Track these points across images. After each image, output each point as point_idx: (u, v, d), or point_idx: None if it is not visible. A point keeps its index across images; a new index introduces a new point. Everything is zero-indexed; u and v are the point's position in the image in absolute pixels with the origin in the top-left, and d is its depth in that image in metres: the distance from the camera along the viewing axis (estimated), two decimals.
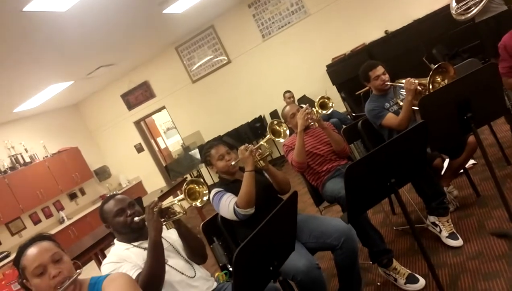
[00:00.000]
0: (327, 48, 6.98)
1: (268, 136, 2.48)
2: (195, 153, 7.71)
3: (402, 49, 5.85)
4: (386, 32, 6.52)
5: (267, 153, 2.32)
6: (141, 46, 7.05)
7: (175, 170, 7.80)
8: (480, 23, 4.42)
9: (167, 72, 8.25)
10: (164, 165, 8.87)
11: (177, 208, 1.84)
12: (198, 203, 1.92)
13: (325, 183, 2.86)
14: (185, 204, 1.92)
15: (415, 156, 1.84)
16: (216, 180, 3.09)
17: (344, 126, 3.23)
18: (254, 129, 7.57)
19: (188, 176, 7.72)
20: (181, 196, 1.85)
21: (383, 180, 1.76)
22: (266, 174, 2.43)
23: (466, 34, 4.92)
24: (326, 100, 2.97)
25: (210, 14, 7.24)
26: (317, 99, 2.96)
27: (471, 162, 3.36)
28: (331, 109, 2.99)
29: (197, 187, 1.95)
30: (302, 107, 2.88)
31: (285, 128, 2.57)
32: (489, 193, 2.88)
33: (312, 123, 2.92)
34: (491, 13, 4.30)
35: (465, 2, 4.41)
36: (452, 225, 2.57)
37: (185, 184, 1.91)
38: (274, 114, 7.60)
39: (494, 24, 4.29)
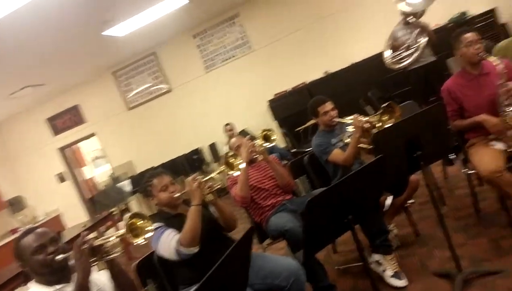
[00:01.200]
0: (269, 84, 7.08)
1: (221, 168, 2.32)
2: (125, 184, 7.24)
3: (340, 90, 6.08)
4: (325, 73, 6.79)
5: (218, 186, 2.15)
6: (75, 68, 6.62)
7: (101, 202, 7.23)
8: (411, 71, 4.76)
9: (100, 97, 7.82)
10: (89, 196, 8.21)
11: (112, 246, 1.58)
12: (139, 241, 1.67)
13: (269, 218, 2.76)
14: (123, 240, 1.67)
15: (372, 191, 1.79)
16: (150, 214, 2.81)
17: (285, 162, 3.20)
18: (191, 162, 7.34)
19: (115, 209, 7.18)
20: (122, 231, 1.60)
21: (340, 216, 1.68)
22: (211, 209, 2.26)
23: (399, 80, 5.24)
24: (269, 132, 2.91)
25: (153, 41, 7.06)
26: (261, 132, 2.89)
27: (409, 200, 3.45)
28: (274, 142, 2.93)
29: (141, 222, 1.71)
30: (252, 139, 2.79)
31: (240, 161, 2.43)
32: (428, 232, 2.93)
33: (257, 156, 2.85)
34: (421, 63, 4.65)
35: (399, 53, 4.74)
36: (396, 263, 2.55)
37: (128, 217, 1.66)
38: (213, 147, 7.46)
39: (423, 73, 4.64)
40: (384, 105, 2.60)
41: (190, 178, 2.07)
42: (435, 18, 4.75)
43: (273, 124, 6.67)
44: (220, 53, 7.36)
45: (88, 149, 10.27)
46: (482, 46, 2.54)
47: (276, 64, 7.12)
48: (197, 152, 7.48)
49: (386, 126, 2.54)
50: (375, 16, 6.40)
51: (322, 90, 6.34)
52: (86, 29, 5.03)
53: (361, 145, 2.75)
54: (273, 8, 7.01)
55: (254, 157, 2.85)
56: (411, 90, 4.89)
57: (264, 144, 2.82)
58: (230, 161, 2.39)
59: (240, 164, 2.40)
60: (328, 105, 2.93)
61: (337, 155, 2.85)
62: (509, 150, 2.39)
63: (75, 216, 7.77)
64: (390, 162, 2.02)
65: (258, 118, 7.03)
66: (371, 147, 2.60)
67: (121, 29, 5.53)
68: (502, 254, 2.31)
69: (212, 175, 2.16)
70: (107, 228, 6.38)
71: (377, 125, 2.61)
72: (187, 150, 7.44)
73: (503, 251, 2.33)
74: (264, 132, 2.87)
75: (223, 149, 6.55)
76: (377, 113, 2.66)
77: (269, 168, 2.87)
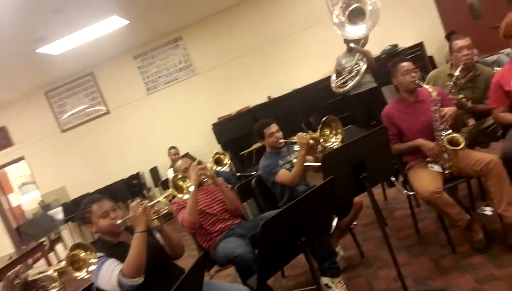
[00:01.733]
0: (213, 108, 7.05)
1: (169, 191, 2.21)
2: (57, 211, 6.72)
3: (283, 115, 6.16)
4: (269, 98, 6.91)
5: (165, 210, 2.04)
6: (4, 85, 6.13)
7: (28, 232, 6.63)
8: (353, 96, 4.98)
9: (31, 118, 7.30)
10: (15, 226, 7.51)
11: (49, 281, 1.40)
12: (82, 274, 1.50)
13: (217, 243, 2.67)
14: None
15: (324, 212, 1.79)
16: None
17: (230, 186, 3.16)
18: (131, 187, 7.02)
19: (45, 239, 6.62)
20: (62, 264, 1.43)
21: (294, 239, 1.65)
22: (156, 235, 2.13)
23: (340, 105, 5.45)
24: (221, 156, 2.86)
25: (91, 60, 6.77)
26: (213, 155, 2.83)
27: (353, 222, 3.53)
28: (227, 166, 2.88)
29: (84, 254, 1.54)
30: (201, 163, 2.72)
31: (189, 184, 2.33)
32: (372, 253, 3.00)
33: (206, 179, 2.78)
34: (363, 88, 4.89)
35: (342, 77, 4.97)
36: (344, 286, 2.56)
37: (69, 248, 1.50)
38: (154, 171, 7.20)
39: (365, 98, 4.87)
40: (323, 119, 2.68)
41: (134, 203, 1.94)
42: (369, 50, 5.08)
43: (217, 148, 6.60)
44: (163, 75, 7.24)
45: (15, 174, 9.48)
46: (418, 75, 2.71)
47: (220, 88, 7.13)
48: (137, 176, 7.18)
49: (329, 145, 2.61)
50: (317, 43, 6.68)
51: (265, 115, 6.38)
52: (18, 45, 4.70)
53: (307, 163, 2.78)
54: (217, 33, 7.07)
55: (204, 180, 2.78)
56: (352, 115, 5.09)
57: (216, 168, 2.76)
58: (179, 183, 2.29)
59: (189, 186, 2.31)
60: (274, 127, 2.96)
61: (284, 175, 2.85)
62: (446, 172, 2.53)
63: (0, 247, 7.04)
64: (338, 183, 2.05)
65: (202, 142, 6.94)
66: (318, 164, 2.65)
67: (56, 47, 5.24)
68: (443, 272, 2.41)
69: (159, 199, 2.05)
70: (35, 261, 5.85)
71: (320, 140, 2.67)
72: (126, 175, 7.11)
73: (444, 270, 2.43)
74: (216, 156, 2.81)
75: (166, 173, 6.35)
76: (319, 128, 2.71)
77: (217, 192, 2.81)
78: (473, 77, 3.00)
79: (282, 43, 6.97)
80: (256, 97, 6.92)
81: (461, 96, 2.95)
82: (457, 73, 2.91)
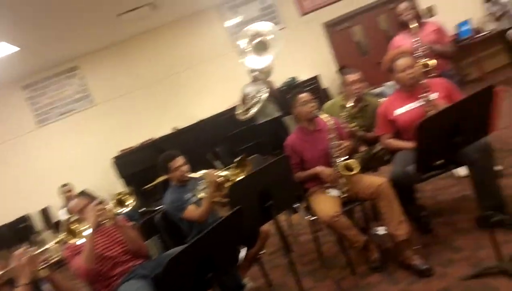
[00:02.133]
0: (114, 140, 6.68)
1: (61, 236, 1.96)
2: None
3: (190, 146, 6.11)
4: (174, 128, 6.78)
5: (56, 258, 1.80)
6: None
7: None
8: (259, 125, 5.11)
9: None
10: None
11: None
12: None
13: (116, 288, 2.44)
14: None
15: (231, 245, 1.75)
16: None
17: (133, 223, 2.96)
18: (17, 232, 6.22)
19: None
20: None
21: (201, 274, 1.57)
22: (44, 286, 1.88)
23: (245, 135, 5.55)
24: (124, 196, 2.65)
25: None
26: (115, 195, 2.61)
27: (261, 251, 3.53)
28: (129, 207, 2.66)
29: None
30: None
31: (85, 227, 2.10)
32: (280, 281, 3.01)
33: (106, 221, 2.54)
34: (268, 117, 5.05)
35: (246, 104, 5.08)
36: None
37: None
38: (45, 212, 6.50)
39: (270, 127, 5.02)
40: (237, 159, 2.68)
41: (18, 251, 1.69)
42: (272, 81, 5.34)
43: (118, 183, 6.23)
44: (57, 106, 6.72)
45: None
46: (316, 105, 2.88)
47: (122, 119, 6.82)
48: (24, 219, 6.41)
49: (239, 178, 2.59)
50: (223, 73, 6.79)
51: (171, 146, 6.25)
52: None
53: (215, 199, 2.74)
54: (119, 63, 6.82)
55: (103, 222, 2.53)
56: (257, 144, 5.21)
57: (118, 210, 2.54)
58: (73, 226, 2.06)
59: (85, 230, 2.08)
60: (180, 160, 2.87)
61: (192, 211, 2.77)
62: (343, 196, 2.68)
63: None
64: (245, 213, 2.04)
65: (101, 177, 6.48)
66: (226, 200, 2.61)
67: None
68: None
69: (47, 246, 1.81)
70: None
71: (231, 178, 2.66)
72: (11, 218, 6.31)
73: None
74: (119, 196, 2.59)
75: (59, 214, 5.77)
76: (231, 167, 2.71)
77: (117, 232, 2.59)
78: (363, 108, 3.29)
79: (187, 73, 6.97)
80: (161, 128, 6.74)
81: (353, 125, 3.21)
82: (349, 104, 3.17)
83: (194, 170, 2.88)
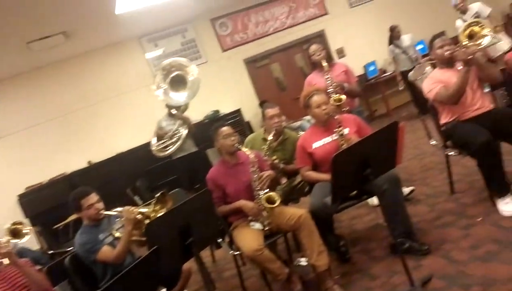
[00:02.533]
0: (19, 176, 6.08)
1: None
2: None
3: (106, 180, 5.80)
4: (89, 162, 6.38)
5: None
6: None
7: None
8: (177, 160, 5.02)
9: None
10: None
11: None
12: None
13: None
14: None
15: (150, 286, 1.64)
16: None
17: (40, 267, 2.69)
18: None
19: None
20: None
21: None
22: None
23: (165, 169, 5.41)
24: (19, 226, 2.41)
25: None
26: (8, 225, 2.35)
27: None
28: (26, 236, 2.43)
29: None
30: None
31: None
32: None
33: (1, 261, 2.27)
34: (185, 152, 4.98)
35: (163, 141, 4.97)
36: None
37: None
38: None
39: (188, 162, 4.96)
40: (157, 195, 2.58)
41: None
42: (193, 115, 5.29)
43: (25, 223, 5.64)
44: None
45: None
46: (237, 138, 2.90)
47: (30, 153, 6.25)
48: None
49: (158, 215, 2.49)
50: (141, 106, 6.59)
51: (85, 181, 5.87)
52: None
53: (133, 238, 2.58)
54: (28, 93, 6.32)
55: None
56: (177, 179, 5.10)
57: (13, 241, 2.28)
58: None
59: None
60: (93, 197, 2.67)
61: (106, 252, 2.56)
62: (265, 229, 2.69)
63: None
64: (164, 252, 1.94)
65: (6, 216, 5.81)
66: (144, 238, 2.48)
67: None
68: None
69: None
70: None
71: (151, 216, 2.54)
72: None
73: None
74: (14, 226, 2.34)
75: None
76: (150, 203, 2.60)
77: (19, 275, 2.32)
78: (283, 141, 3.39)
79: (105, 104, 6.65)
80: (74, 163, 6.30)
81: (274, 158, 3.29)
82: (270, 137, 3.26)
83: (111, 206, 2.71)
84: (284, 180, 3.37)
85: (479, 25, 2.78)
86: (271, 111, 3.33)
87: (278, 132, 3.35)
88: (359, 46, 7.76)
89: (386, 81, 7.39)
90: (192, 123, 5.08)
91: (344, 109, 3.40)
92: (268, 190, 2.73)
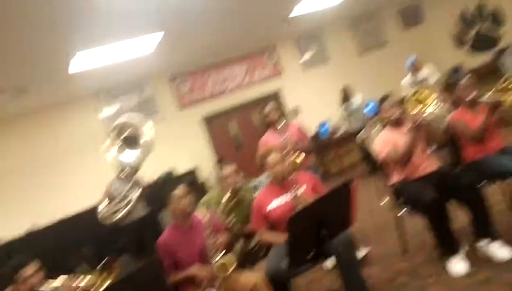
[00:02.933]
0: None
1: None
2: None
3: (49, 248, 5.30)
4: (29, 229, 5.78)
5: None
6: None
7: None
8: (126, 225, 4.70)
9: None
10: None
11: None
12: None
13: None
14: None
15: None
16: None
17: None
18: None
19: None
20: None
21: None
22: None
23: (113, 235, 5.07)
24: None
25: None
26: None
27: None
28: None
29: None
30: None
31: None
32: None
33: None
34: (135, 216, 4.72)
35: (113, 205, 4.68)
36: None
37: None
38: None
39: (137, 227, 4.70)
40: (102, 263, 2.40)
41: None
42: (146, 175, 5.09)
43: None
44: None
45: None
46: (191, 200, 2.82)
47: None
48: None
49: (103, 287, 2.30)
50: (88, 168, 6.27)
51: (24, 250, 5.36)
52: None
53: None
54: None
55: None
56: (126, 245, 4.81)
57: None
58: None
59: None
60: (30, 269, 2.44)
61: None
62: None
63: None
64: None
65: None
66: None
67: None
68: None
69: None
70: None
71: (96, 285, 2.34)
72: None
73: None
74: None
75: None
76: (95, 272, 2.40)
77: None
78: (239, 201, 3.33)
79: (49, 165, 6.25)
80: (11, 229, 5.64)
81: (229, 219, 3.20)
82: (225, 198, 3.19)
83: (55, 275, 2.47)
84: (240, 242, 3.27)
85: (427, 91, 2.98)
86: (226, 170, 3.31)
87: (235, 191, 3.30)
88: (313, 106, 8.07)
89: (339, 140, 7.65)
90: (145, 185, 4.87)
91: (301, 168, 3.45)
92: (223, 254, 2.63)
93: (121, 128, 4.44)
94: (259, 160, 2.97)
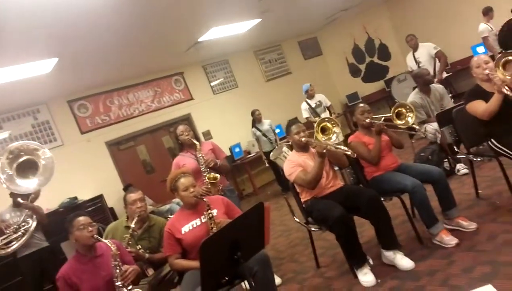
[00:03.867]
0: None
1: None
2: None
3: None
4: None
5: None
6: None
7: None
8: (22, 258, 4.24)
9: None
10: None
11: None
12: None
13: None
14: None
15: None
16: None
17: None
18: None
19: None
20: None
21: None
22: None
23: (8, 270, 4.55)
24: None
25: None
26: None
27: None
28: None
29: None
30: None
31: None
32: None
33: None
34: (33, 248, 4.26)
35: (6, 236, 4.19)
36: None
37: None
38: None
39: (37, 259, 4.24)
40: None
41: None
42: (46, 203, 4.65)
43: None
44: None
45: None
46: (95, 229, 2.60)
47: None
48: None
49: None
50: None
51: None
52: None
53: None
54: None
55: None
56: (23, 280, 4.29)
57: None
58: None
59: None
60: None
61: None
62: None
63: None
64: None
65: None
66: None
67: None
68: None
69: None
70: None
71: None
72: None
73: None
74: None
75: None
76: None
77: None
78: (148, 228, 3.17)
79: None
80: None
81: (138, 247, 3.02)
82: (132, 225, 3.00)
83: None
84: (151, 271, 3.08)
85: (331, 122, 3.16)
86: (133, 196, 3.14)
87: (142, 218, 3.14)
88: (225, 129, 8.15)
89: (251, 161, 7.78)
90: (44, 214, 4.42)
91: (219, 187, 3.40)
92: (132, 286, 2.45)
93: (16, 154, 4.00)
94: (170, 184, 2.85)
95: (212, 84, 8.45)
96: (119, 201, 6.56)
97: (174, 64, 7.74)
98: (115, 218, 6.23)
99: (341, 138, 4.70)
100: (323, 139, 3.08)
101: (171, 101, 7.86)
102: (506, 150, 2.95)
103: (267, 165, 6.91)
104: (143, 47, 5.90)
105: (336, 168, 3.36)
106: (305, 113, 6.81)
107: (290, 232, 4.55)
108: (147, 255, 3.01)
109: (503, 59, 2.99)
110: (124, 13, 4.31)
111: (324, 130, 3.15)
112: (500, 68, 2.98)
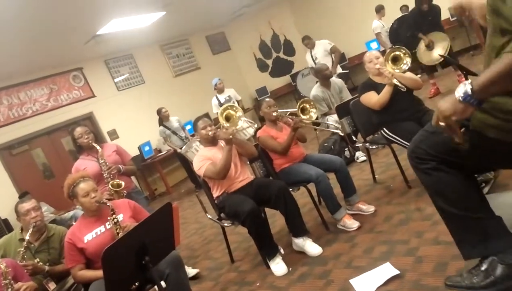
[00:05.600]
0: None
1: None
2: None
3: None
4: None
5: None
6: None
7: None
8: None
9: None
10: None
11: None
12: None
13: None
14: None
15: None
16: None
17: None
18: None
19: None
20: None
21: None
22: None
23: None
24: None
25: None
26: None
27: None
28: None
29: None
30: None
31: None
32: None
33: None
34: None
35: None
36: None
37: None
38: None
39: None
40: None
41: None
42: None
43: None
44: None
45: None
46: None
47: None
48: None
49: None
50: None
51: None
52: None
53: None
54: None
55: None
56: None
57: None
58: None
59: None
60: None
61: None
62: None
63: None
64: None
65: None
66: None
67: None
68: None
69: None
70: None
71: None
72: None
73: None
74: None
75: None
76: None
77: None
78: (46, 239, 2.90)
79: None
80: None
81: (36, 260, 2.74)
82: (27, 237, 2.72)
83: None
84: (52, 286, 2.82)
85: (234, 109, 3.22)
86: (25, 205, 2.85)
87: (39, 229, 2.86)
88: (132, 127, 7.79)
89: (162, 160, 7.53)
90: None
91: (123, 194, 3.21)
92: None
93: None
94: (67, 189, 2.62)
95: (116, 80, 8.01)
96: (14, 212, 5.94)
97: (72, 59, 7.15)
98: (10, 230, 5.61)
99: (251, 132, 4.79)
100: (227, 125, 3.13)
101: (70, 100, 7.28)
102: (396, 137, 3.24)
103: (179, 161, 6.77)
104: (34, 40, 5.35)
105: (247, 163, 3.41)
106: (215, 109, 6.80)
107: (204, 229, 4.52)
108: (47, 268, 2.75)
109: (391, 54, 3.27)
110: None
111: (228, 119, 3.23)
112: (389, 62, 3.25)
